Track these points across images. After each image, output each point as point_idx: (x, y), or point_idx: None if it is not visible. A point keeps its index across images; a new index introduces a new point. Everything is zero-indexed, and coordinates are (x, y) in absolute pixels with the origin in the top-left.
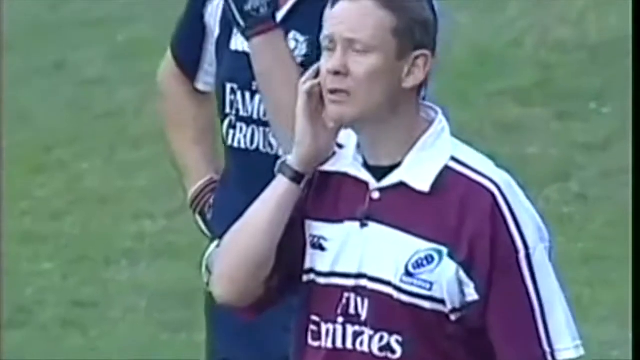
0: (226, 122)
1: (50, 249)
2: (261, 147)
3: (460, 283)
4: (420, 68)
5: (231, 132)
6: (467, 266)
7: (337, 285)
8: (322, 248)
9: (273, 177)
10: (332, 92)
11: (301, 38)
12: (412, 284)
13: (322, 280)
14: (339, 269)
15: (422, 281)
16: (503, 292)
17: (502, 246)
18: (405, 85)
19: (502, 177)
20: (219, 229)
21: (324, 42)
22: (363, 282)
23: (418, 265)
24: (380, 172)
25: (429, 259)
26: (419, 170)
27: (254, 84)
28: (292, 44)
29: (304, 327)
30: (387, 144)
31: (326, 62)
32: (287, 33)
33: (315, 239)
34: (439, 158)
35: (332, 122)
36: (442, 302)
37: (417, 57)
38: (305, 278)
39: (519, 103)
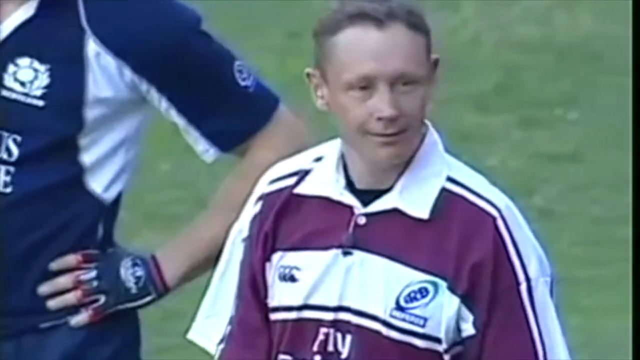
0: None
1: None
2: None
3: (459, 318)
4: (433, 73)
5: None
6: (468, 299)
7: (311, 319)
8: (293, 279)
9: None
10: (389, 135)
11: (41, 67)
12: (403, 320)
13: (292, 315)
14: (315, 301)
15: (415, 316)
16: (503, 327)
17: (503, 276)
18: (431, 98)
19: (502, 200)
20: None
21: (355, 82)
22: (345, 316)
23: (411, 298)
24: (366, 196)
25: (423, 292)
26: (414, 195)
27: None
28: (29, 74)
29: None
30: (389, 168)
31: (361, 103)
32: (15, 57)
33: (287, 270)
34: (435, 179)
35: (385, 165)
36: (436, 340)
37: (432, 64)
38: (272, 317)
39: (477, 109)
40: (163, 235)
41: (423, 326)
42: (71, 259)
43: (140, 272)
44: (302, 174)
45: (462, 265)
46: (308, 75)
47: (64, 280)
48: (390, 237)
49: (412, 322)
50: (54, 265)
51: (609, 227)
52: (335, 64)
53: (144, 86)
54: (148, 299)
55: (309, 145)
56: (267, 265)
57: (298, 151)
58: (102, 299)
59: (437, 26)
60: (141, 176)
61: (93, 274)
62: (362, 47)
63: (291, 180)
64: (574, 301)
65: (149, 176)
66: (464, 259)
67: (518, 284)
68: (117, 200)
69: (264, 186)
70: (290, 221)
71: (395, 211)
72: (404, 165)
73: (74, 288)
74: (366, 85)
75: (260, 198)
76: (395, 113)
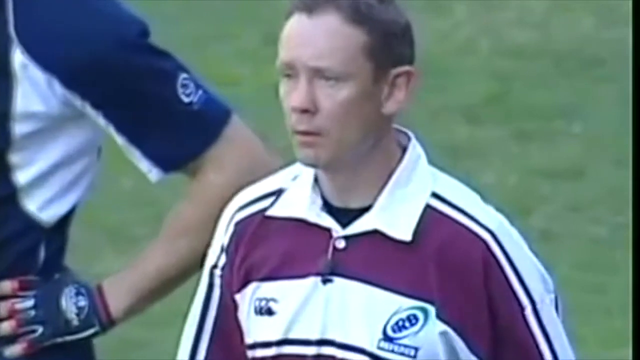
0: None
1: None
2: None
3: (454, 348)
4: (401, 88)
5: None
6: (459, 327)
7: (292, 354)
8: (270, 312)
9: None
10: (301, 132)
11: None
12: (392, 351)
13: (271, 352)
14: (295, 335)
15: (405, 347)
16: (514, 356)
17: (504, 303)
18: (386, 111)
19: (494, 220)
20: None
21: (281, 69)
22: (328, 350)
23: (399, 327)
24: (345, 216)
25: (412, 320)
26: (396, 214)
27: None
28: None
29: None
30: (361, 182)
31: (288, 95)
32: None
33: (263, 303)
34: (418, 196)
35: (305, 166)
36: None
37: (397, 76)
38: (249, 355)
39: (470, 121)
40: (127, 257)
41: (414, 357)
42: (6, 285)
43: (83, 302)
44: (277, 195)
45: (447, 290)
46: None
47: None
48: (372, 261)
49: (402, 353)
50: None
51: (612, 250)
52: None
53: (77, 102)
54: (90, 331)
55: (265, 164)
56: (239, 298)
57: (252, 171)
58: (39, 330)
59: (427, 31)
60: (102, 193)
61: (30, 302)
62: (290, 33)
63: (265, 203)
64: (574, 329)
65: (110, 193)
66: (449, 283)
67: (522, 308)
68: (62, 222)
69: (233, 212)
70: (264, 248)
71: (376, 233)
72: (383, 181)
73: (9, 317)
74: (290, 73)
75: (229, 226)
76: (304, 105)
